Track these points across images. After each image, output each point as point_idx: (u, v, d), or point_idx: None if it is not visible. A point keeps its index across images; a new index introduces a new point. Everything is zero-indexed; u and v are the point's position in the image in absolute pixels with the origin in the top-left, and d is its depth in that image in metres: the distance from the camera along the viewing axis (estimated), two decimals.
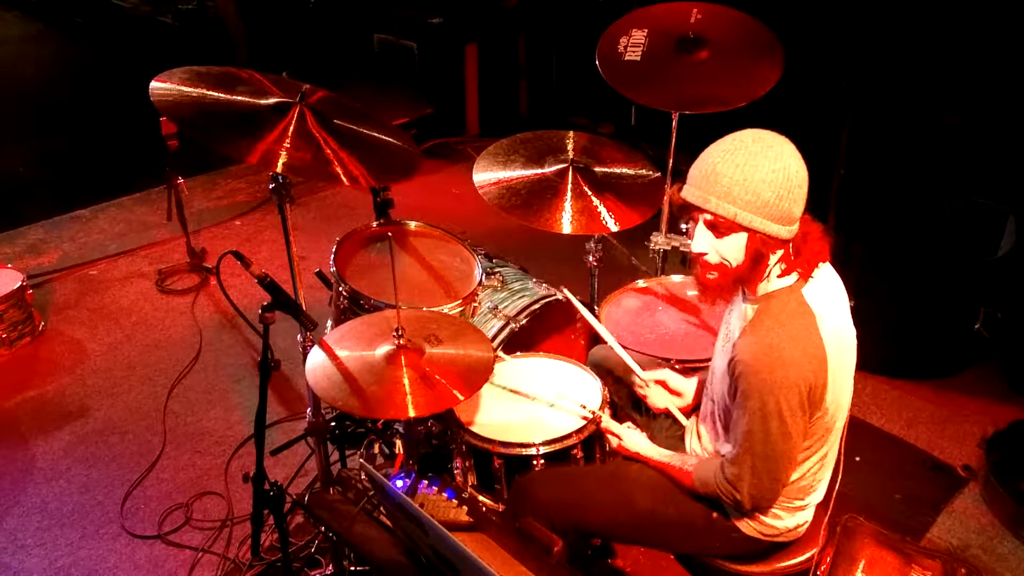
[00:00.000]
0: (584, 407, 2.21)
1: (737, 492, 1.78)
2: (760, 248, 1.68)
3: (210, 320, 3.86)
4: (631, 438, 2.08)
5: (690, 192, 1.70)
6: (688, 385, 2.19)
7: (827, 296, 1.75)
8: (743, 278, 1.75)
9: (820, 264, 1.75)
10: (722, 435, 1.90)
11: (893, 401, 3.35)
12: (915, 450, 3.11)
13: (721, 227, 1.68)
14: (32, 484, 2.95)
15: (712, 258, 1.73)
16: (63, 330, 3.80)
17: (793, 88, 2.92)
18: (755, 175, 1.62)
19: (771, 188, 1.62)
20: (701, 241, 1.74)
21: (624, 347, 2.49)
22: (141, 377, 3.49)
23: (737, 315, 1.84)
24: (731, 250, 1.70)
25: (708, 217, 1.69)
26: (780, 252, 1.71)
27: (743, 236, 1.67)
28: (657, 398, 2.19)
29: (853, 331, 1.80)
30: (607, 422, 2.15)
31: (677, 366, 2.35)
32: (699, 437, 2.03)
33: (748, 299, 1.80)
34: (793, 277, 1.74)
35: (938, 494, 2.91)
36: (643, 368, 2.27)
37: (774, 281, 1.74)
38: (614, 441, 2.10)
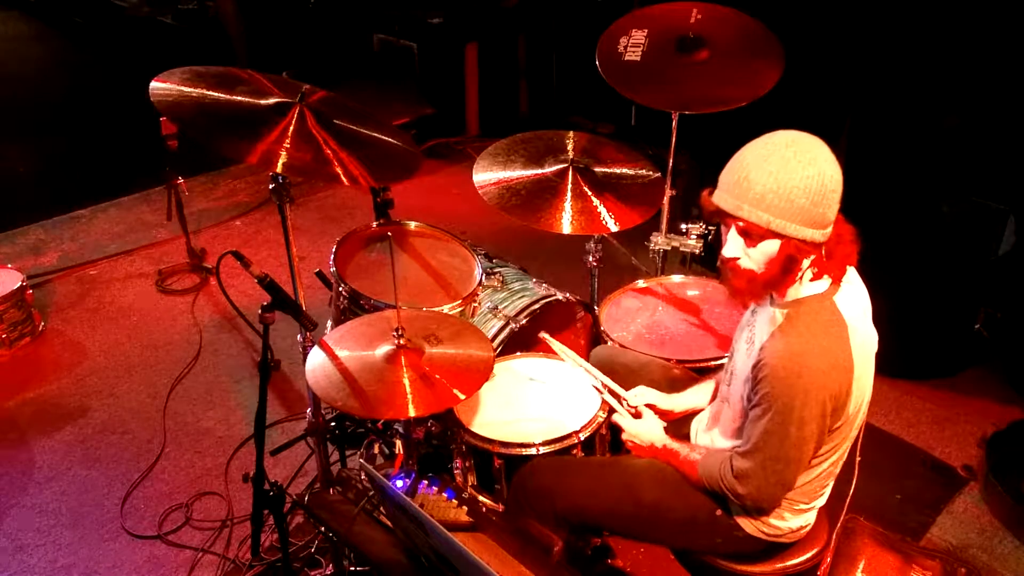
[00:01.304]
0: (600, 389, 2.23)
1: (740, 487, 1.78)
2: (794, 253, 1.66)
3: (210, 320, 3.86)
4: (648, 422, 2.08)
5: (722, 199, 1.67)
6: (676, 400, 2.18)
7: (856, 304, 1.74)
8: (774, 283, 1.73)
9: (849, 268, 1.74)
10: (735, 436, 1.89)
11: (893, 401, 3.35)
12: (915, 450, 3.11)
13: (754, 234, 1.66)
14: (32, 484, 2.95)
15: (744, 263, 1.71)
16: (63, 330, 3.79)
17: (793, 89, 2.91)
18: (789, 182, 1.59)
19: (805, 194, 1.59)
20: (733, 247, 1.71)
21: (624, 347, 2.50)
22: (141, 377, 3.49)
23: (764, 319, 1.81)
24: (764, 255, 1.68)
25: (741, 224, 1.66)
26: (813, 256, 1.69)
27: (776, 242, 1.65)
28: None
29: (876, 337, 1.79)
30: (628, 402, 2.15)
31: (677, 366, 2.35)
32: (710, 440, 2.03)
33: (777, 303, 1.77)
34: (825, 283, 1.72)
35: (938, 494, 2.91)
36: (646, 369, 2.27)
37: (806, 286, 1.73)
38: (627, 426, 2.09)
